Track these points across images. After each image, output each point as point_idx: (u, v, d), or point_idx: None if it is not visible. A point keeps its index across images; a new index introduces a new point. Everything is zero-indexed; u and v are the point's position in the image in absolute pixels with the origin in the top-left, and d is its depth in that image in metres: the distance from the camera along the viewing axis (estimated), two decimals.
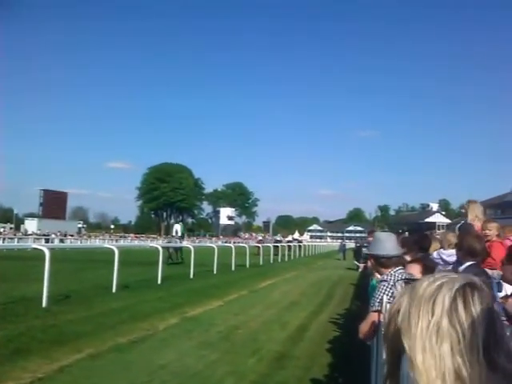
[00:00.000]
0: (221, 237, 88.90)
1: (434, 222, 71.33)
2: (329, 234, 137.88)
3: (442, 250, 5.19)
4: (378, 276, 3.72)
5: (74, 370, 5.28)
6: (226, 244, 31.29)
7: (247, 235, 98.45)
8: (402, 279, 3.26)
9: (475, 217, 5.83)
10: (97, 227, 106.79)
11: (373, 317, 3.25)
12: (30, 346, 6.08)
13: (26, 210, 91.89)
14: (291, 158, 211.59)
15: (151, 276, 13.77)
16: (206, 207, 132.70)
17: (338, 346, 6.97)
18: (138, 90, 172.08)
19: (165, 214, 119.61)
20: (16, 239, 39.19)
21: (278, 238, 48.01)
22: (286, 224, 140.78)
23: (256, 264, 22.56)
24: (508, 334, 0.67)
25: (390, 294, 3.15)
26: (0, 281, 12.50)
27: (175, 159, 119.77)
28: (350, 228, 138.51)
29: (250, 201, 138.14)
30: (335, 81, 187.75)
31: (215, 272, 17.05)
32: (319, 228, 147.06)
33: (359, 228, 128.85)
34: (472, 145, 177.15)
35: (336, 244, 59.63)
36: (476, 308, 0.66)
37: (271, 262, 26.10)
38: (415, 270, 3.48)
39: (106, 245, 16.83)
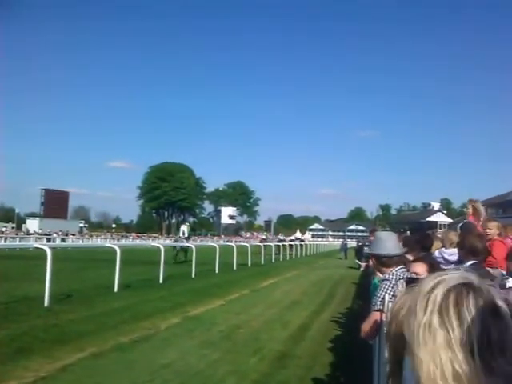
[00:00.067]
0: (222, 236, 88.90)
1: (436, 221, 71.33)
2: (330, 233, 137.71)
3: (443, 248, 5.19)
4: (380, 275, 3.72)
5: (77, 369, 5.29)
6: (228, 243, 31.31)
7: (249, 234, 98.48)
8: (403, 278, 3.26)
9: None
10: (98, 226, 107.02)
11: (375, 316, 3.25)
12: (33, 346, 6.09)
13: (27, 210, 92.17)
14: (292, 157, 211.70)
15: (153, 275, 13.78)
16: (208, 206, 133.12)
17: (339, 345, 6.97)
18: (138, 89, 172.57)
19: (166, 214, 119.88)
20: (18, 239, 39.30)
21: (281, 238, 48.26)
22: (288, 223, 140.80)
23: (258, 263, 22.58)
24: None
25: (391, 293, 3.15)
26: (2, 280, 12.53)
27: (176, 159, 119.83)
28: (352, 227, 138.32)
29: (252, 200, 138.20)
30: (335, 81, 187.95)
31: (217, 271, 17.07)
32: (321, 227, 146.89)
33: (361, 227, 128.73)
34: (473, 144, 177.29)
35: (337, 243, 59.59)
36: (469, 307, 0.66)
37: (273, 261, 26.11)
38: (421, 268, 3.47)
39: (108, 244, 16.87)
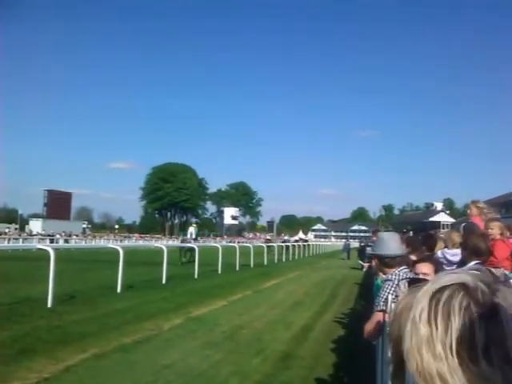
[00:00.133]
0: (225, 236, 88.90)
1: (439, 221, 71.10)
2: (333, 233, 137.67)
3: (446, 249, 5.17)
4: (383, 276, 3.71)
5: (80, 369, 5.30)
6: (231, 244, 31.32)
7: (251, 235, 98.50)
8: (405, 278, 3.25)
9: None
10: (101, 227, 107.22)
11: (378, 316, 3.24)
12: (36, 347, 6.11)
13: (30, 211, 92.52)
14: (293, 157, 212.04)
15: (156, 276, 13.80)
16: (210, 207, 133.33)
17: (342, 345, 6.95)
18: (138, 89, 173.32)
19: (169, 214, 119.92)
20: (21, 240, 39.35)
21: (286, 238, 48.53)
22: (290, 224, 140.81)
23: (260, 264, 22.56)
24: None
25: (394, 294, 3.14)
26: (5, 281, 12.56)
27: (178, 159, 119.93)
28: (355, 227, 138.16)
29: (254, 201, 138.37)
30: (335, 81, 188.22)
31: (220, 272, 17.07)
32: (323, 227, 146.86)
33: (363, 227, 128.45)
34: (474, 144, 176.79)
35: (340, 243, 59.54)
36: (454, 307, 0.66)
37: (275, 261, 26.10)
38: (428, 268, 3.46)
39: (111, 245, 16.88)
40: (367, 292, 10.03)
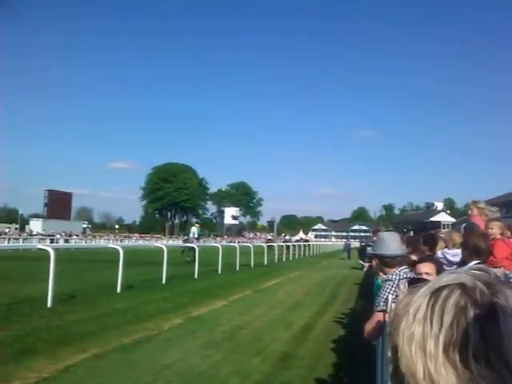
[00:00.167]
0: (225, 236, 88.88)
1: (439, 221, 71.03)
2: (333, 233, 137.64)
3: (446, 249, 5.16)
4: (383, 275, 3.70)
5: (79, 369, 5.29)
6: (231, 244, 31.33)
7: (252, 235, 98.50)
8: (405, 278, 3.25)
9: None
10: (101, 227, 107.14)
11: (378, 316, 3.24)
12: (36, 346, 6.10)
13: (30, 211, 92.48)
14: (293, 157, 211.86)
15: (156, 276, 13.79)
16: (211, 207, 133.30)
17: (342, 345, 6.95)
18: (138, 89, 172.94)
19: (169, 214, 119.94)
20: (21, 239, 39.38)
21: (287, 237, 48.63)
22: (291, 224, 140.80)
23: (261, 263, 22.56)
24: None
25: (395, 294, 3.14)
26: (5, 281, 12.57)
27: (179, 159, 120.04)
28: (355, 227, 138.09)
29: (255, 200, 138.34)
30: (335, 81, 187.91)
31: (220, 272, 17.07)
32: (324, 227, 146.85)
33: (364, 227, 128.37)
34: (474, 144, 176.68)
35: (341, 243, 59.55)
36: (449, 306, 0.65)
37: (276, 261, 26.10)
38: (430, 268, 3.45)
39: (111, 245, 16.88)
40: (367, 292, 10.02)
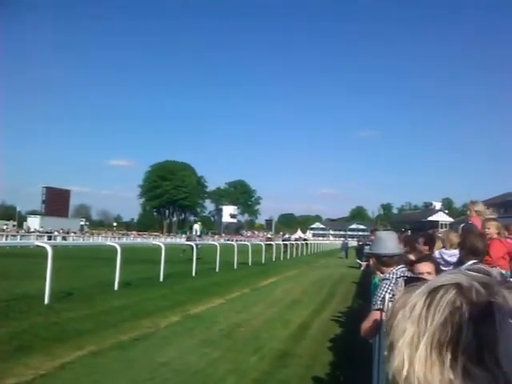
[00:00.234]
0: (223, 235, 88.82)
1: (437, 221, 71.14)
2: (331, 232, 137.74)
3: (443, 249, 5.17)
4: (380, 274, 3.71)
5: (76, 367, 5.30)
6: (229, 242, 31.33)
7: (250, 233, 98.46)
8: (402, 277, 3.25)
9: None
10: (99, 225, 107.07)
11: (375, 315, 3.24)
12: (33, 343, 6.10)
13: (28, 208, 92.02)
14: (292, 157, 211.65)
15: (153, 274, 13.79)
16: (209, 205, 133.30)
17: (339, 344, 6.97)
18: (138, 89, 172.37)
19: (167, 212, 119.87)
20: (19, 236, 39.31)
21: (287, 236, 48.68)
22: (289, 222, 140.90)
23: (258, 262, 22.57)
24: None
25: (392, 293, 3.14)
26: (3, 278, 12.54)
27: (177, 158, 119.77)
28: (353, 226, 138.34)
29: (253, 199, 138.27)
30: (335, 81, 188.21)
31: (217, 270, 17.07)
32: (322, 226, 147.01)
33: (362, 226, 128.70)
34: (473, 144, 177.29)
35: (338, 242, 59.59)
36: (442, 306, 0.65)
37: (274, 260, 26.11)
38: (429, 268, 3.46)
39: (109, 242, 16.86)
40: (365, 291, 10.04)
